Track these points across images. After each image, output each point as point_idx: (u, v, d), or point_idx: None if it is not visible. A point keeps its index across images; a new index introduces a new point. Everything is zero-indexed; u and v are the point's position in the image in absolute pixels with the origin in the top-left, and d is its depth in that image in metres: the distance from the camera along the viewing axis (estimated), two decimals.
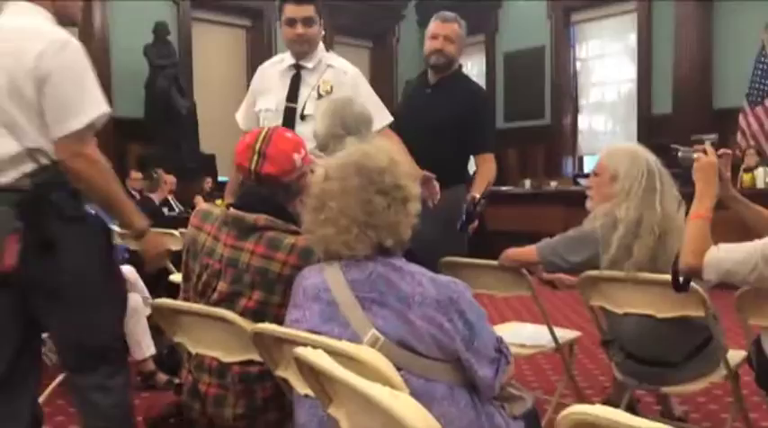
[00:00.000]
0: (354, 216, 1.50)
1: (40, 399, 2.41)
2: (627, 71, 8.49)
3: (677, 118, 7.62)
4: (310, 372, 1.29)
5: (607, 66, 8.78)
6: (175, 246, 4.36)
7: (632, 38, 8.33)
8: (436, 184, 2.66)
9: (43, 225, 1.84)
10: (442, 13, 3.24)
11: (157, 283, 3.85)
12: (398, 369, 1.28)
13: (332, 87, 2.82)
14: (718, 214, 1.96)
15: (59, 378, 2.81)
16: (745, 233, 2.02)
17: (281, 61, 2.94)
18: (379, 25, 9.87)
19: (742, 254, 1.80)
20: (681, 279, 1.96)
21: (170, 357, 3.35)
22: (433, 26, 3.19)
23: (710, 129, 6.97)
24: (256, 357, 1.69)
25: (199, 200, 6.65)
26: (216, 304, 1.79)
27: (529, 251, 2.47)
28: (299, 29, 2.79)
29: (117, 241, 2.81)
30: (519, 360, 2.57)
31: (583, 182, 7.10)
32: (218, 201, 4.89)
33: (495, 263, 2.57)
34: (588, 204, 2.47)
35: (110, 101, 1.99)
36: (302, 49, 2.84)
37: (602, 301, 2.33)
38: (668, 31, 7.74)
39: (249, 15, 8.76)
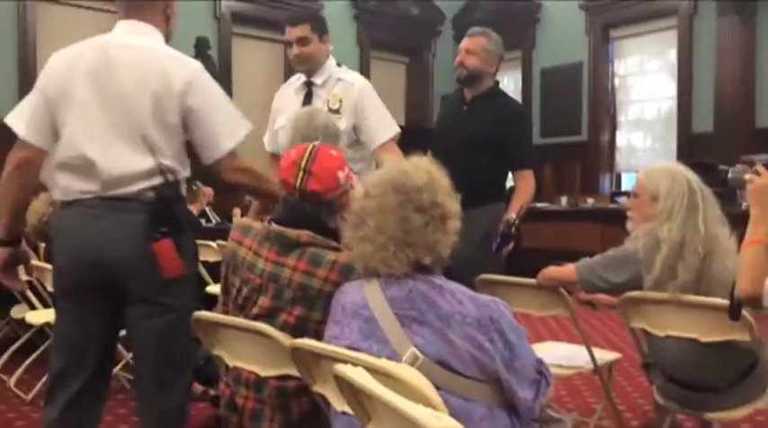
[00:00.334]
0: (392, 233, 1.50)
1: None
2: (667, 88, 8.38)
3: (719, 136, 7.48)
4: (349, 390, 1.29)
5: (646, 82, 8.67)
6: (212, 258, 4.43)
7: (672, 54, 8.23)
8: None
9: (176, 233, 1.96)
10: (470, 29, 3.25)
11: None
12: (437, 388, 1.26)
13: (341, 101, 2.87)
14: None
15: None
16: None
17: (298, 79, 3.03)
18: (415, 41, 9.90)
19: None
20: (737, 306, 1.90)
21: (206, 368, 3.37)
22: (462, 42, 3.22)
23: (753, 148, 6.82)
24: (294, 372, 1.68)
25: (236, 212, 6.72)
26: (256, 318, 1.80)
27: (567, 270, 2.44)
28: (296, 49, 2.89)
29: None
30: (555, 380, 2.53)
31: (621, 199, 7.02)
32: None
33: (532, 281, 2.54)
34: (629, 225, 2.43)
35: None
36: (303, 68, 2.93)
37: (644, 323, 2.29)
38: (709, 47, 7.63)
39: None
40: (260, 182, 2.17)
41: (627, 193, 2.60)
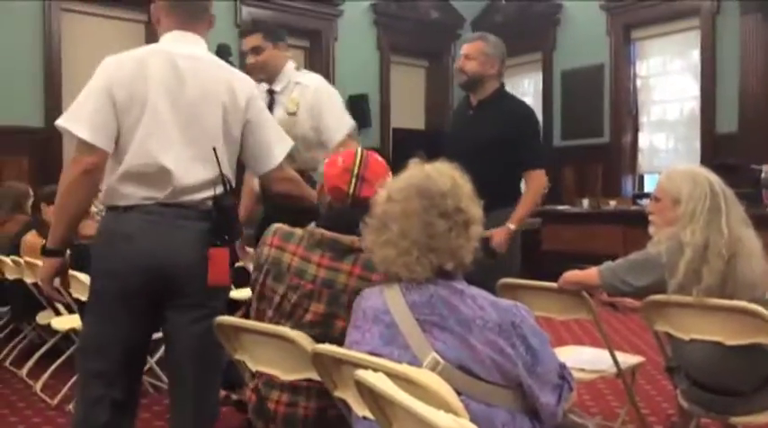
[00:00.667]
0: (415, 238, 1.50)
1: None
2: (690, 89, 8.29)
3: (743, 136, 7.38)
4: (370, 395, 1.29)
5: (669, 83, 8.58)
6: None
7: (695, 55, 8.14)
8: None
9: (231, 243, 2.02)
10: (467, 35, 3.29)
11: None
12: (458, 393, 1.27)
13: (298, 104, 2.93)
14: None
15: None
16: None
17: (261, 89, 3.05)
18: (435, 44, 9.89)
19: None
20: None
21: (228, 372, 3.40)
22: (461, 48, 3.27)
23: None
24: (315, 376, 1.69)
25: None
26: (311, 325, 1.78)
27: (590, 274, 2.42)
28: (250, 58, 2.98)
29: None
30: (578, 384, 2.51)
31: (643, 201, 6.95)
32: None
33: (554, 285, 2.52)
34: (651, 230, 2.40)
35: None
36: (259, 77, 2.96)
37: (668, 326, 2.27)
38: (733, 47, 7.54)
39: (308, 36, 8.90)
40: (302, 190, 2.26)
41: (649, 195, 2.57)
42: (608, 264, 2.39)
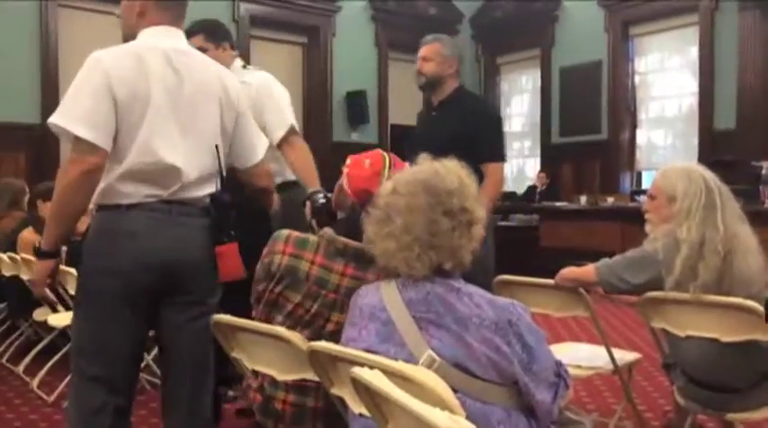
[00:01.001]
0: (418, 234, 1.49)
1: None
2: (688, 85, 8.30)
3: (741, 133, 7.40)
4: (366, 392, 1.29)
5: (667, 80, 8.60)
6: None
7: (693, 51, 8.14)
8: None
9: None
10: (423, 38, 3.36)
11: None
12: (455, 391, 1.26)
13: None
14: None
15: None
16: None
17: None
18: None
19: None
20: None
21: (223, 368, 3.39)
22: (418, 52, 3.30)
23: None
24: (311, 376, 1.69)
25: None
26: (330, 335, 1.75)
27: (586, 271, 2.42)
28: None
29: None
30: (575, 381, 2.51)
31: (641, 198, 6.96)
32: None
33: (551, 282, 2.52)
34: (647, 228, 2.40)
35: None
36: None
37: (664, 323, 2.27)
38: (732, 44, 7.54)
39: (306, 32, 8.90)
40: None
41: (647, 192, 2.57)
42: (605, 261, 2.39)
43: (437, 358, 1.42)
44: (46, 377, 3.72)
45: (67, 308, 3.75)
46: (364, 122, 9.16)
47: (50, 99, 6.57)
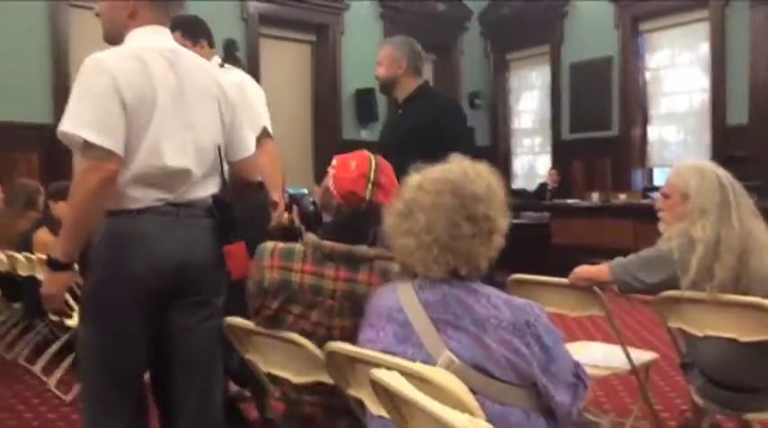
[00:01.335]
0: (438, 235, 1.48)
1: None
2: (699, 81, 8.24)
3: (753, 129, 7.34)
4: (385, 394, 1.29)
5: (678, 75, 8.54)
6: None
7: (705, 47, 8.09)
8: (279, 209, 2.88)
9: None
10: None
11: None
12: (473, 392, 1.26)
13: None
14: None
15: None
16: None
17: None
18: (442, 38, 9.86)
19: None
20: None
21: (239, 367, 3.40)
22: None
23: None
24: (325, 378, 1.69)
25: None
26: (343, 341, 1.71)
27: (601, 270, 2.41)
28: None
29: None
30: (591, 381, 2.50)
31: (653, 195, 6.92)
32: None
33: (565, 281, 2.50)
34: (661, 227, 2.39)
35: None
36: None
37: (681, 323, 2.25)
38: (743, 38, 7.49)
39: (315, 30, 8.89)
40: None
41: (659, 189, 2.55)
42: (619, 260, 2.38)
43: (455, 359, 1.41)
44: (63, 376, 3.75)
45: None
46: (373, 120, 9.14)
47: (63, 98, 6.57)
